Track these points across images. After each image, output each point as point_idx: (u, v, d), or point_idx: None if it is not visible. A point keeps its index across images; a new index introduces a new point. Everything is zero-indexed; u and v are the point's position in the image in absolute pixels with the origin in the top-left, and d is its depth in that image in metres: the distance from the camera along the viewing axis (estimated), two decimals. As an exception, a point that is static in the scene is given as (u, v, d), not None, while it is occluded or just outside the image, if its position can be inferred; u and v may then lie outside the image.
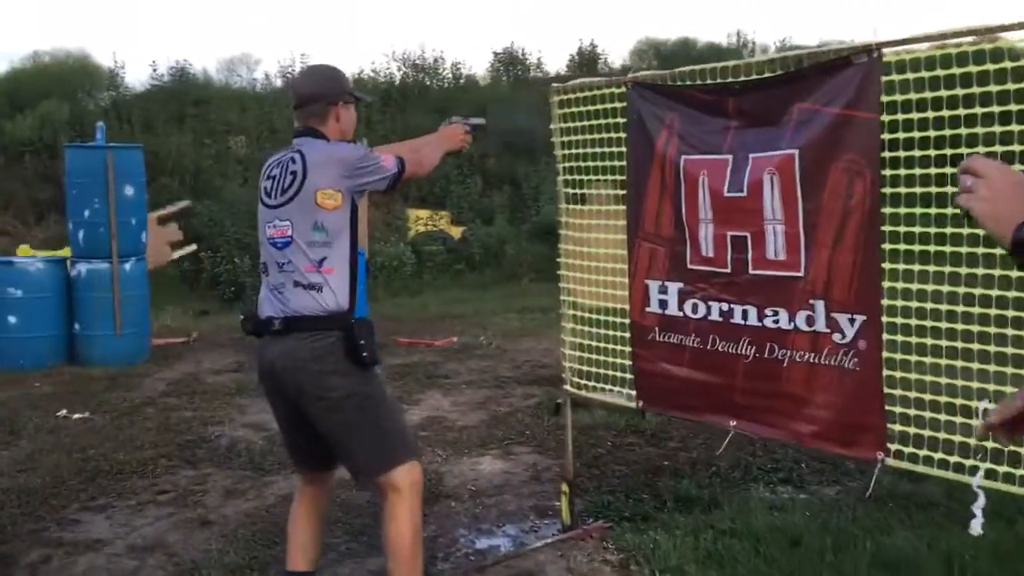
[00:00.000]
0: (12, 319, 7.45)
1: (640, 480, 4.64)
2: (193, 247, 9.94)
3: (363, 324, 2.93)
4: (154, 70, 14.14)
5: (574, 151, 3.96)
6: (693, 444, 5.18)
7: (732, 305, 3.33)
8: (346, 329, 2.89)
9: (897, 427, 2.96)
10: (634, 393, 3.82)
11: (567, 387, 4.16)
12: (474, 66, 20.86)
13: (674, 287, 3.54)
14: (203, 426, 5.92)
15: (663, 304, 3.60)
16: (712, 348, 3.43)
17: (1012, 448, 2.63)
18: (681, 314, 3.53)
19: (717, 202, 3.31)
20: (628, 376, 3.84)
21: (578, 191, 4.04)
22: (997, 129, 2.58)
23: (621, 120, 3.71)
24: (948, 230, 2.76)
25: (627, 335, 3.80)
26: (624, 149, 3.71)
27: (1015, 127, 2.53)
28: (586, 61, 16.78)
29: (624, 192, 3.74)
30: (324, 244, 2.88)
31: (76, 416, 6.14)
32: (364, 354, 2.88)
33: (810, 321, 3.10)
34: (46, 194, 11.81)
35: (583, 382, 4.10)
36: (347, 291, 2.93)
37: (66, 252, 8.13)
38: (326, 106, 3.01)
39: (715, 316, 3.40)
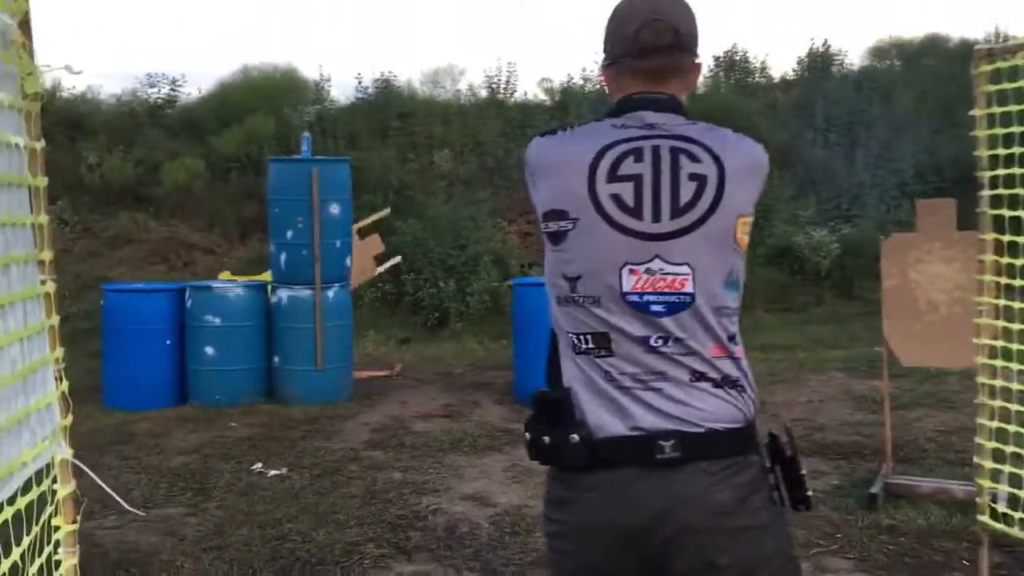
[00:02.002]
0: (209, 350, 6.77)
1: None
2: (398, 259, 9.11)
3: (787, 435, 1.73)
4: (359, 83, 13.65)
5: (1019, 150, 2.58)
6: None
7: None
8: (775, 451, 1.71)
9: None
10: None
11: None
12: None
13: None
14: (415, 495, 4.89)
15: None
16: None
17: None
18: None
19: None
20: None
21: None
22: None
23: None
24: None
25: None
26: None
27: None
28: (817, 63, 15.01)
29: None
30: (735, 311, 1.73)
31: (272, 473, 5.28)
32: (808, 491, 1.71)
33: None
34: (250, 212, 11.43)
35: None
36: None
37: (267, 276, 7.44)
38: (694, 63, 1.81)
39: None
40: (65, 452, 1.49)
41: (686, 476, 1.62)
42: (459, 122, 13.44)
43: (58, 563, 1.52)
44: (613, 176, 1.68)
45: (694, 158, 1.70)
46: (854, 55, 15.70)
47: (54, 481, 1.47)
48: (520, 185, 12.59)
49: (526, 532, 4.35)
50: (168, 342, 6.84)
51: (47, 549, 1.51)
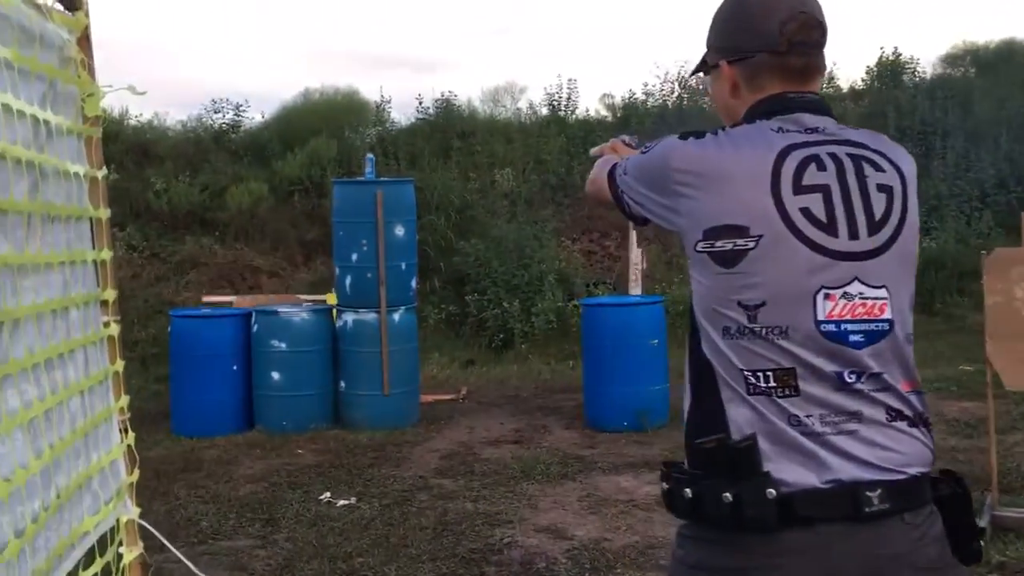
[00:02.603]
0: (275, 375, 6.69)
1: None
2: None
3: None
4: (419, 103, 13.60)
5: None
6: None
7: None
8: (955, 496, 1.53)
9: None
10: None
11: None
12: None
13: None
14: (488, 527, 4.71)
15: None
16: None
17: None
18: None
19: None
20: None
21: None
22: None
23: None
24: None
25: None
26: None
27: None
28: (888, 72, 14.54)
29: None
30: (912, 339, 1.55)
31: (341, 503, 5.14)
32: (981, 541, 1.54)
33: None
34: (313, 234, 11.42)
35: None
36: None
37: (332, 299, 7.36)
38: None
39: None
40: (131, 512, 1.34)
41: (893, 531, 1.43)
42: (520, 140, 13.30)
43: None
44: (799, 186, 1.47)
45: (877, 167, 1.52)
46: (926, 63, 15.17)
47: (119, 545, 1.33)
48: (579, 203, 12.36)
49: (606, 568, 4.14)
50: (235, 367, 6.78)
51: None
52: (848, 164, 1.52)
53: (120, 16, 20.38)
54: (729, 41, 1.61)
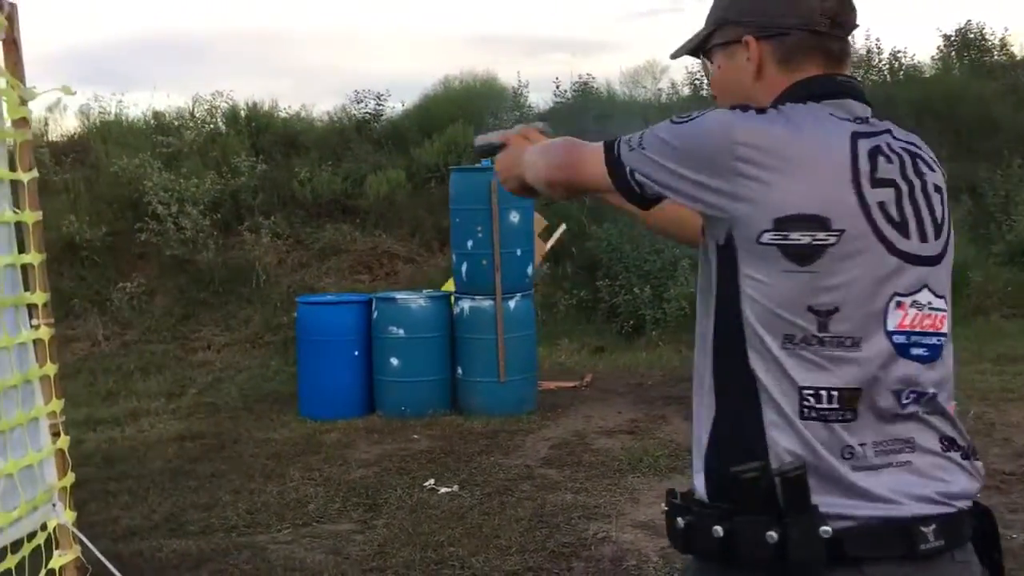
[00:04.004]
0: (394, 361, 6.80)
1: None
2: (563, 228, 8.67)
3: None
4: (556, 87, 13.52)
5: None
6: None
7: None
8: (990, 535, 1.38)
9: None
10: None
11: None
12: (917, 54, 17.78)
13: None
14: (584, 520, 4.62)
15: None
16: None
17: None
18: None
19: None
20: None
21: None
22: None
23: None
24: None
25: None
26: None
27: None
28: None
29: None
30: None
31: (443, 490, 5.17)
32: None
33: None
34: (448, 221, 11.52)
35: None
36: None
37: (450, 286, 7.41)
38: None
39: None
40: (61, 517, 1.34)
41: (944, 570, 1.30)
42: (660, 121, 12.98)
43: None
44: (875, 179, 1.31)
45: (929, 166, 1.39)
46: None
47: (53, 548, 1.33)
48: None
49: (698, 570, 3.96)
50: (356, 353, 6.94)
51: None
52: (907, 160, 1.37)
53: (292, 9, 21.23)
54: (759, 14, 1.44)
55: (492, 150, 1.76)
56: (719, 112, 1.37)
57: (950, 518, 1.29)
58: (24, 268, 1.32)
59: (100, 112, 13.34)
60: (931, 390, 1.33)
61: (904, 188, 1.34)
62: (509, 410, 6.72)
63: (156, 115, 13.25)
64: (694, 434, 1.48)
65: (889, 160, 1.34)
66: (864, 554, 1.26)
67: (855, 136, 1.34)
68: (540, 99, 14.02)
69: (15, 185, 1.29)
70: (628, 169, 1.43)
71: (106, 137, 12.67)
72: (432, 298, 7.03)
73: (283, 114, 13.33)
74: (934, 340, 1.33)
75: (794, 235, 1.28)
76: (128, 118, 13.28)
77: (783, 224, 1.28)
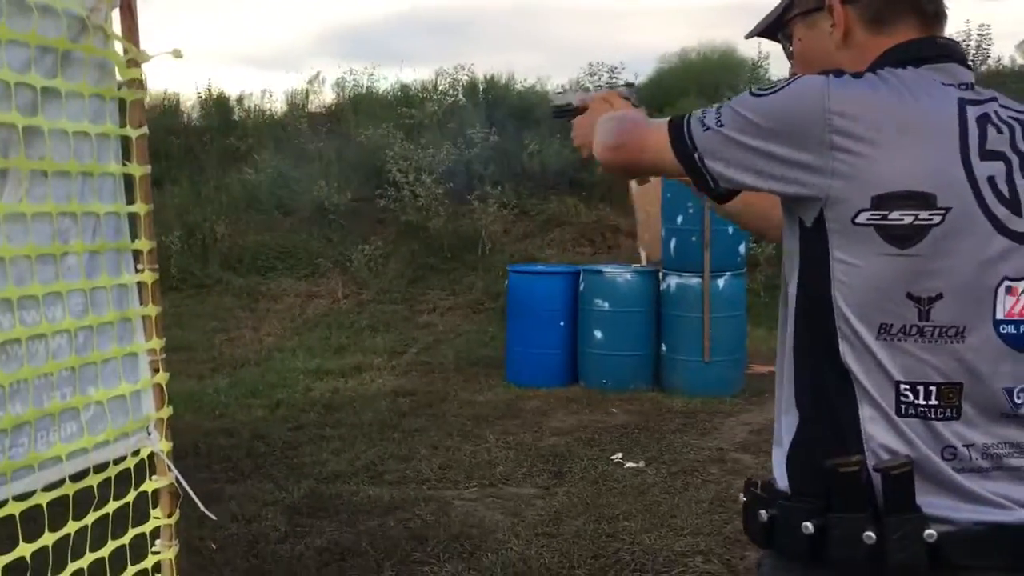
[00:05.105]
0: (598, 334, 6.83)
1: None
2: None
3: None
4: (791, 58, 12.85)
5: None
6: None
7: None
8: None
9: None
10: None
11: None
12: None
13: None
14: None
15: None
16: None
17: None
18: None
19: None
20: None
21: None
22: None
23: None
24: None
25: None
26: None
27: None
28: None
29: None
30: None
31: (629, 465, 5.15)
32: None
33: None
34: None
35: None
36: None
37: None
38: None
39: None
40: (155, 444, 1.48)
41: None
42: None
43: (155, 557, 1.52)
44: (984, 151, 1.19)
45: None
46: None
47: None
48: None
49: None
50: (562, 323, 7.03)
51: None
52: (1019, 130, 1.22)
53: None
54: None
55: (568, 112, 1.65)
56: (809, 78, 1.23)
57: None
58: (132, 217, 1.48)
59: (354, 85, 14.28)
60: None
61: (1016, 161, 1.19)
62: (712, 391, 6.56)
63: (403, 87, 14.01)
64: (777, 423, 1.39)
65: (999, 130, 1.20)
66: (968, 563, 1.15)
67: (962, 103, 1.20)
68: (779, 73, 13.38)
69: (127, 141, 1.44)
70: (699, 155, 1.30)
71: (357, 108, 13.57)
72: (639, 273, 6.97)
73: (519, 87, 13.65)
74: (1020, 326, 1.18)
75: (894, 214, 1.16)
76: (377, 91, 14.13)
77: (882, 202, 1.16)
